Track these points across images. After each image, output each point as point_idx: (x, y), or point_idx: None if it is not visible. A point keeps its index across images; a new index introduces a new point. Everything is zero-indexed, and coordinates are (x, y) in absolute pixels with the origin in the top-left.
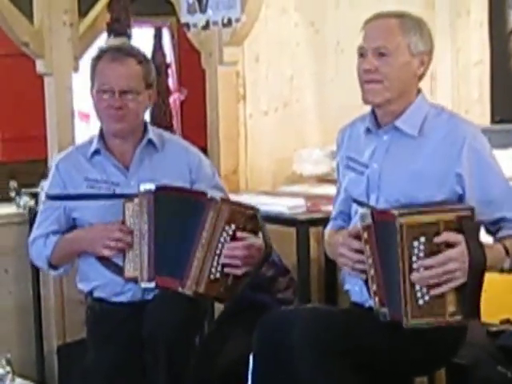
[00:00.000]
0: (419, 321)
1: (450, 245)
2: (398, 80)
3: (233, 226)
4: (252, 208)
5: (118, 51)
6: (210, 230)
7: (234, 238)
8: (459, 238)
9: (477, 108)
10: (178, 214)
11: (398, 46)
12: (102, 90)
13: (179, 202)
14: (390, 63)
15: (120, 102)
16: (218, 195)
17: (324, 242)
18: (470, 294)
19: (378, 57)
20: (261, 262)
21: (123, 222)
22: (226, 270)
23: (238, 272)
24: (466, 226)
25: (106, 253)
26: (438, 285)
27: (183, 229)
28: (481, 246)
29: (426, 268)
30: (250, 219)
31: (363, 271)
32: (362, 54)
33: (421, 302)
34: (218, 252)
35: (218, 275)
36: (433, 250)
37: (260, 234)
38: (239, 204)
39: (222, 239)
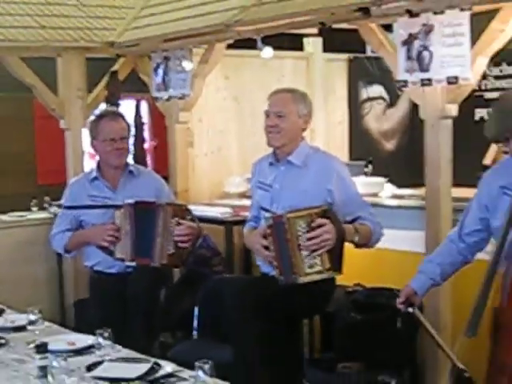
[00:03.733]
0: (308, 277)
1: (321, 226)
2: (290, 132)
3: (176, 218)
4: (184, 205)
5: (114, 113)
6: (162, 223)
7: (178, 225)
8: (326, 221)
9: (341, 150)
10: (146, 217)
11: (290, 111)
12: (110, 138)
13: (145, 210)
14: (285, 122)
15: (122, 145)
16: (163, 202)
17: (244, 237)
18: (337, 255)
19: (278, 117)
20: (198, 237)
21: (114, 223)
22: (180, 245)
23: (187, 245)
24: (329, 213)
25: (104, 244)
26: (317, 250)
27: (148, 226)
28: (341, 224)
29: (309, 239)
30: (185, 212)
31: (273, 259)
32: (267, 115)
33: (307, 264)
34: (170, 236)
35: (173, 250)
36: (310, 230)
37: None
38: (177, 204)
39: (171, 228)
